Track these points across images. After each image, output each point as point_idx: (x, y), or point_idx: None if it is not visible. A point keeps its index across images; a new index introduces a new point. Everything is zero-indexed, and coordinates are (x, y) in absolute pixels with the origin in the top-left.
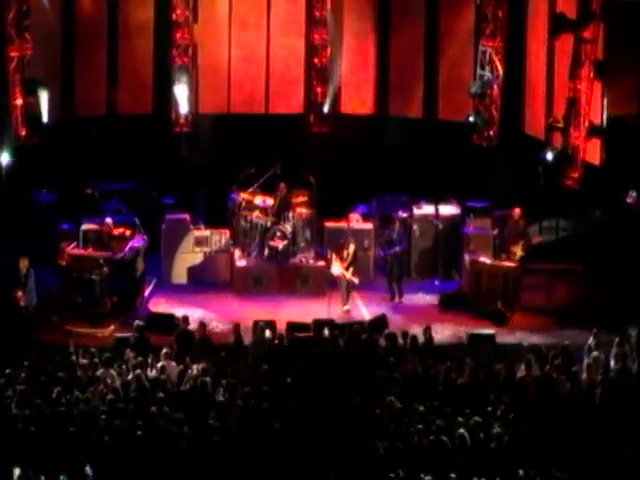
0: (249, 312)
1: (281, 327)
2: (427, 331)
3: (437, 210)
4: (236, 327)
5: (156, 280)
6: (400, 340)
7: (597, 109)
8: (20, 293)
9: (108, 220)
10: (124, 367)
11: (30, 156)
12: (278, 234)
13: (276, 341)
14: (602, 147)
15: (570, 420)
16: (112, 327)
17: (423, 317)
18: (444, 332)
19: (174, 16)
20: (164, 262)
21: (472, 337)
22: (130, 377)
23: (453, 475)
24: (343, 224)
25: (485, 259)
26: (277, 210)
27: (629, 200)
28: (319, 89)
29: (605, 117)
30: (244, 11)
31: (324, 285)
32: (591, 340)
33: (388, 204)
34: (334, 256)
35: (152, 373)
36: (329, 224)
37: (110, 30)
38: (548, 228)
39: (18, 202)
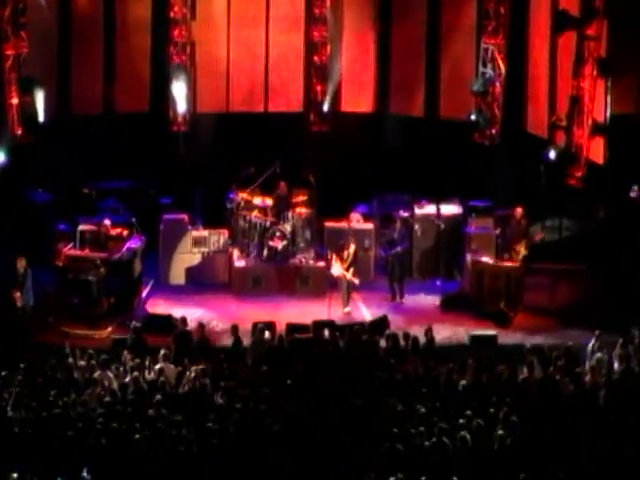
0: (248, 313)
1: (280, 328)
2: (428, 332)
3: (439, 210)
4: (235, 328)
5: (154, 281)
6: (401, 341)
7: (601, 107)
8: (18, 294)
9: (106, 222)
10: (121, 369)
11: (26, 155)
12: (277, 234)
13: (276, 342)
14: (606, 146)
15: (573, 422)
16: (109, 328)
17: (424, 318)
18: (446, 333)
19: (172, 13)
20: (162, 263)
21: (474, 338)
22: (128, 379)
23: (455, 478)
24: (343, 224)
25: (487, 259)
26: (276, 210)
27: (632, 194)
28: (319, 87)
29: (609, 115)
30: (243, 8)
31: (324, 286)
32: (593, 342)
33: (389, 204)
34: (334, 257)
35: (150, 375)
36: (329, 224)
37: (107, 27)
38: (551, 228)
39: (14, 202)
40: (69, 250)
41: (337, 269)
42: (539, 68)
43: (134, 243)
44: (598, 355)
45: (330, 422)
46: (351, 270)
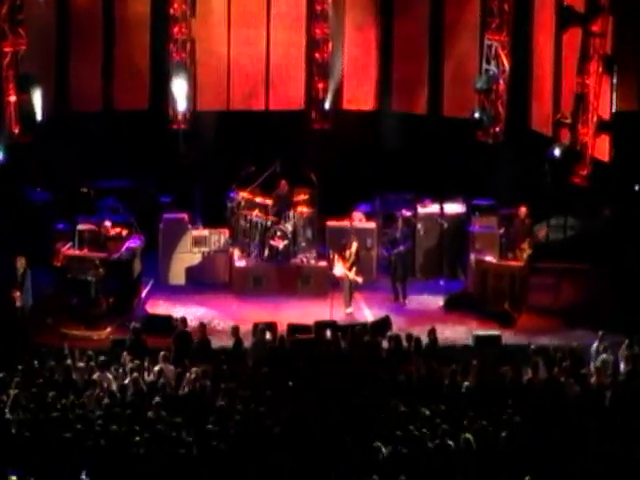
0: (249, 314)
1: (282, 329)
2: (432, 333)
3: (442, 208)
4: (235, 329)
5: (153, 281)
6: (404, 342)
7: (606, 104)
8: (17, 293)
9: (107, 224)
10: (121, 370)
11: (24, 154)
12: (278, 233)
13: (277, 343)
14: (611, 143)
15: (579, 423)
16: (108, 329)
17: (427, 318)
18: (449, 333)
19: (171, 10)
20: (161, 262)
21: (478, 339)
22: (127, 381)
23: None
24: (345, 223)
25: (491, 258)
26: (277, 209)
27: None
28: (320, 85)
29: (614, 113)
30: (243, 5)
31: (325, 286)
32: (597, 343)
33: (392, 202)
34: (336, 257)
35: (150, 377)
36: (331, 223)
37: (106, 24)
38: (556, 226)
39: (12, 201)
40: (68, 250)
41: (339, 269)
42: (543, 65)
43: (133, 243)
44: (604, 356)
45: (332, 424)
46: (354, 269)
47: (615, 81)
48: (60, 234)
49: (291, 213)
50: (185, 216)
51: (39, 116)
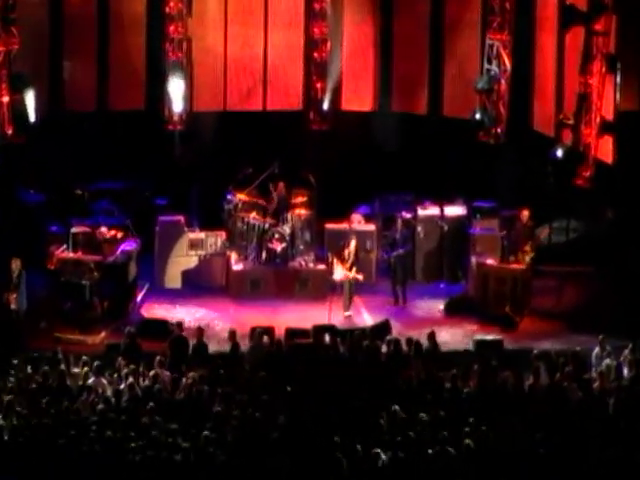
0: (246, 317)
1: (279, 333)
2: (432, 337)
3: (442, 211)
4: (232, 333)
5: (149, 284)
6: (404, 346)
7: (609, 105)
8: (13, 295)
9: (103, 229)
10: (115, 375)
11: (17, 155)
12: (276, 236)
13: (274, 348)
14: (614, 144)
15: (582, 430)
16: (103, 334)
17: (428, 322)
18: (449, 338)
19: (167, 9)
20: (157, 266)
21: (479, 343)
22: (122, 386)
23: None
24: (344, 225)
25: (492, 261)
26: (275, 211)
27: None
28: (319, 85)
29: (617, 113)
30: (240, 3)
31: (324, 289)
32: (598, 349)
33: (391, 204)
34: (335, 260)
35: (145, 382)
36: (330, 225)
37: (100, 23)
38: (558, 229)
39: (4, 203)
40: (62, 253)
41: (339, 273)
42: (546, 65)
43: (129, 246)
44: (607, 361)
45: (330, 429)
46: (354, 268)
47: (619, 81)
48: (54, 237)
49: (289, 215)
50: (181, 218)
51: (32, 117)
